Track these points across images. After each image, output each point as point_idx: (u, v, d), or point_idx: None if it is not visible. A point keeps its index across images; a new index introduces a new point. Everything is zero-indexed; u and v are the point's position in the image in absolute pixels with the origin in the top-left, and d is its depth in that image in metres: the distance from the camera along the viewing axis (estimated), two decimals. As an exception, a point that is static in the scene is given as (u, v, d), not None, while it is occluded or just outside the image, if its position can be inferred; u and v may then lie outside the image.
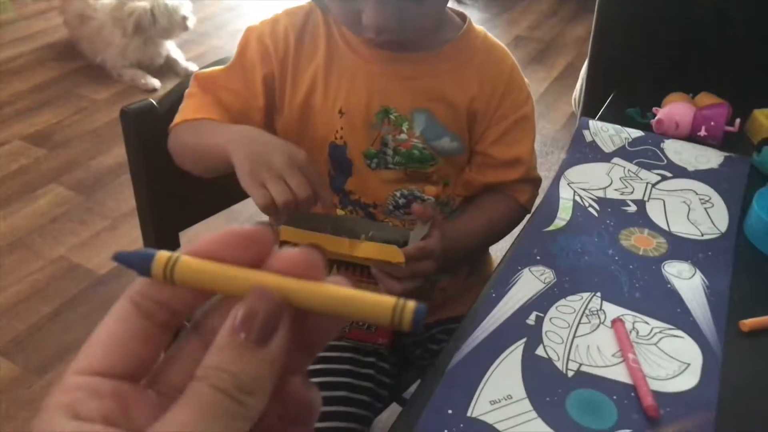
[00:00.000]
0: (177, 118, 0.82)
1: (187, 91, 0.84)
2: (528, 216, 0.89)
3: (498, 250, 0.98)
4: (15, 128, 2.26)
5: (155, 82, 2.58)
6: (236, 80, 0.82)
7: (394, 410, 1.01)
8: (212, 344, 0.23)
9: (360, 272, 0.77)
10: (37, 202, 1.93)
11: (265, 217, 0.75)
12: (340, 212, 0.86)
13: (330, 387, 0.83)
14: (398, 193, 0.84)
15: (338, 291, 0.25)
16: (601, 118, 1.08)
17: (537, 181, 0.90)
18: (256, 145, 0.70)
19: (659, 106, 1.08)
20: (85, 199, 1.96)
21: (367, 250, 0.72)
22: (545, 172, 0.92)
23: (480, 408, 0.60)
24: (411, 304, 0.24)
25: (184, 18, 2.56)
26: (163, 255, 0.25)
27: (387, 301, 0.24)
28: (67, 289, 1.65)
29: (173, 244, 1.03)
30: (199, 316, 0.26)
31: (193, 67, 2.72)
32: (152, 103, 0.93)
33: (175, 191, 0.98)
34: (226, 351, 0.23)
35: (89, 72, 2.63)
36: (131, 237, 1.79)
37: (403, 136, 0.81)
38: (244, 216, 1.87)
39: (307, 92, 0.82)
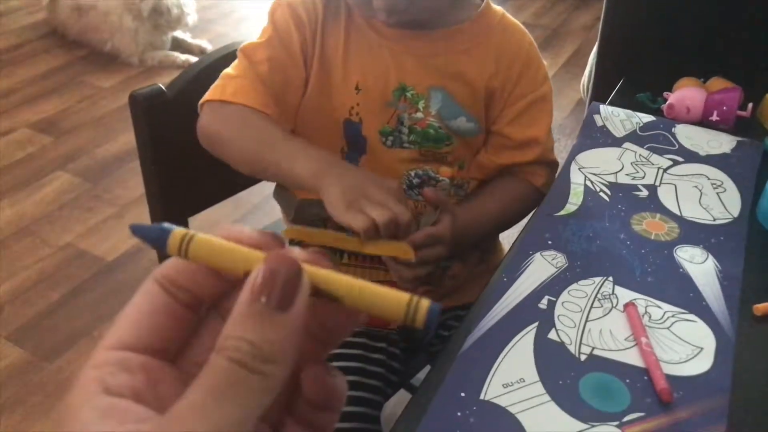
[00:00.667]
0: (216, 94, 0.79)
1: (230, 67, 0.81)
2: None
3: (505, 237, 0.98)
4: (21, 116, 2.26)
5: (190, 57, 2.59)
6: (278, 51, 0.79)
7: (401, 396, 1.01)
8: (230, 315, 0.22)
9: (371, 259, 0.77)
10: (44, 190, 1.93)
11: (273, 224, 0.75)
12: None
13: (341, 372, 0.83)
14: (413, 173, 0.84)
15: (353, 281, 0.24)
16: (611, 104, 1.08)
17: (553, 165, 0.89)
18: (351, 179, 0.70)
19: (670, 90, 1.07)
20: (92, 187, 1.96)
21: (376, 247, 0.72)
22: (553, 158, 0.92)
23: (493, 391, 0.60)
24: (425, 303, 0.24)
25: (187, 14, 2.60)
26: (179, 232, 0.25)
27: (401, 297, 0.24)
28: (75, 276, 1.66)
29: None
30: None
31: (205, 44, 2.72)
32: (161, 88, 0.92)
33: (183, 177, 0.98)
34: (246, 320, 0.22)
35: (95, 59, 2.63)
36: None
37: (419, 114, 0.81)
38: (252, 203, 1.87)
39: (327, 65, 0.81)
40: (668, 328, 0.68)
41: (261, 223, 1.71)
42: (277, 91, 0.80)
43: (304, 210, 0.78)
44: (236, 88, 0.78)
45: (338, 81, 0.81)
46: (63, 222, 1.82)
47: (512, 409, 0.59)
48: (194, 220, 1.03)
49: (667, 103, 1.04)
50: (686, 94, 1.03)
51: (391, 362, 0.89)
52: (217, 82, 0.81)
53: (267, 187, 0.93)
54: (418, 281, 0.76)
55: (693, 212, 0.84)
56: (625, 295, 0.71)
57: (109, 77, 2.52)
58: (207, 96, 0.80)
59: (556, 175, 0.90)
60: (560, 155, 0.90)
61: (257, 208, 1.87)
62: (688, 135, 0.99)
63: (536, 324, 0.67)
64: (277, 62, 0.79)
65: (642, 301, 0.70)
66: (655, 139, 0.98)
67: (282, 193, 0.78)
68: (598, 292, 0.71)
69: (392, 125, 0.81)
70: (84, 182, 1.98)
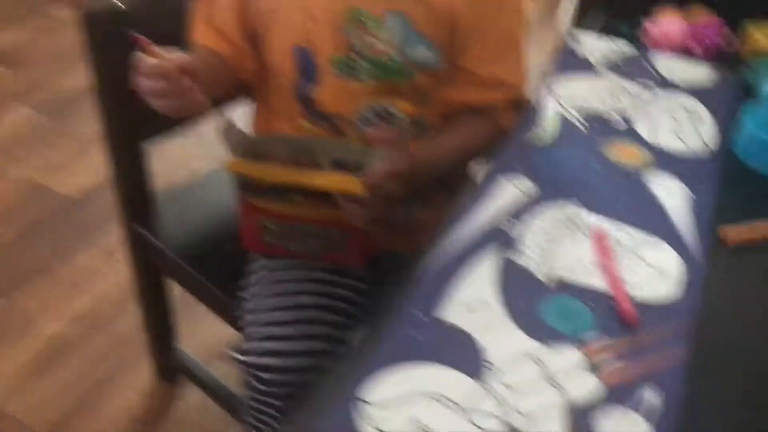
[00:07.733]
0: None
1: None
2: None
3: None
4: (-25, 46, 2.14)
5: None
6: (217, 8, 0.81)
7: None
8: None
9: (324, 199, 0.73)
10: (0, 123, 1.85)
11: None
12: (304, 124, 0.81)
13: (307, 307, 0.80)
14: (369, 108, 0.78)
15: None
16: (588, 32, 1.04)
17: (523, 105, 0.84)
18: None
19: (650, 20, 1.03)
20: (52, 121, 1.88)
21: (324, 180, 0.68)
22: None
23: (450, 310, 0.58)
24: None
25: None
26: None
27: None
28: (34, 212, 1.60)
29: (139, 161, 0.98)
30: None
31: None
32: (118, 3, 0.85)
33: (142, 103, 0.93)
34: None
35: (54, -11, 2.49)
36: (101, 160, 1.72)
37: (374, 41, 0.75)
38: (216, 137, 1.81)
39: None
40: (636, 253, 0.66)
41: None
42: (240, 30, 0.80)
43: (247, 146, 0.74)
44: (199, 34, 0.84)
45: (285, 2, 0.76)
46: (22, 156, 1.75)
47: (467, 328, 0.56)
48: (155, 152, 0.98)
49: (646, 33, 1.00)
50: (666, 24, 1.00)
51: (360, 297, 0.86)
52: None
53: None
54: (375, 222, 0.71)
55: (668, 142, 0.82)
56: (593, 220, 0.69)
57: (68, 8, 2.40)
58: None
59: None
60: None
61: (219, 137, 1.82)
62: (667, 66, 0.95)
63: (501, 248, 0.65)
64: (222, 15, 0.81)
65: (611, 226, 0.68)
66: (634, 68, 0.94)
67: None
68: (566, 217, 0.69)
69: (344, 53, 0.75)
70: (43, 116, 1.89)
